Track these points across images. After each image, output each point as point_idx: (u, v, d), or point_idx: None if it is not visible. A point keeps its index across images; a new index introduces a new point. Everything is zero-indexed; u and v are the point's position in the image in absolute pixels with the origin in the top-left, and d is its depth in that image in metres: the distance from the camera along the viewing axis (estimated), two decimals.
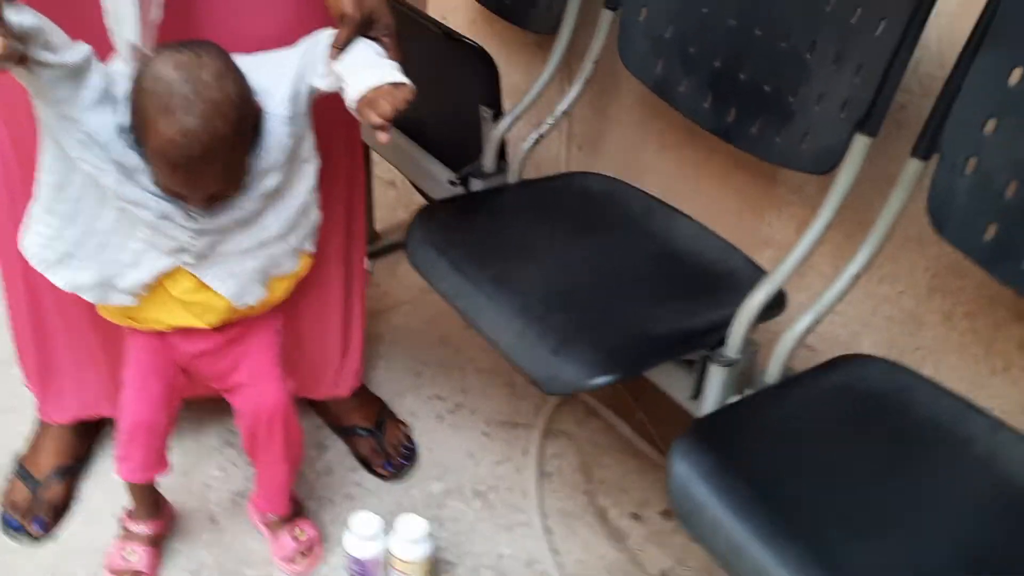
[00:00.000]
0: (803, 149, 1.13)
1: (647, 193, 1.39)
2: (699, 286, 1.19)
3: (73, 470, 1.38)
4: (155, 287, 1.05)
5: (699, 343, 1.08)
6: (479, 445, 1.55)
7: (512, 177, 1.40)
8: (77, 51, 0.89)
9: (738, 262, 1.24)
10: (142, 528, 1.25)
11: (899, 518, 0.89)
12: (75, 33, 0.89)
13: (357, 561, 1.25)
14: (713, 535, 0.88)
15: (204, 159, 0.91)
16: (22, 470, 1.36)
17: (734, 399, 1.07)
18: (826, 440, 0.97)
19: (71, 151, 0.93)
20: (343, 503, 1.42)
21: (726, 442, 0.94)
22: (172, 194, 0.95)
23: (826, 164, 1.08)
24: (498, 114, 1.41)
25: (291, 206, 1.06)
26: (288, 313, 1.30)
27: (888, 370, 1.08)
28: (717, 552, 0.87)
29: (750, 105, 1.19)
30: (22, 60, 0.82)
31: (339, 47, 0.98)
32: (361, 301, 1.44)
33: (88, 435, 1.43)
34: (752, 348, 1.09)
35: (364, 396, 1.54)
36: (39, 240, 1.00)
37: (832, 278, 1.06)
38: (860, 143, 1.03)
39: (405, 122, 1.61)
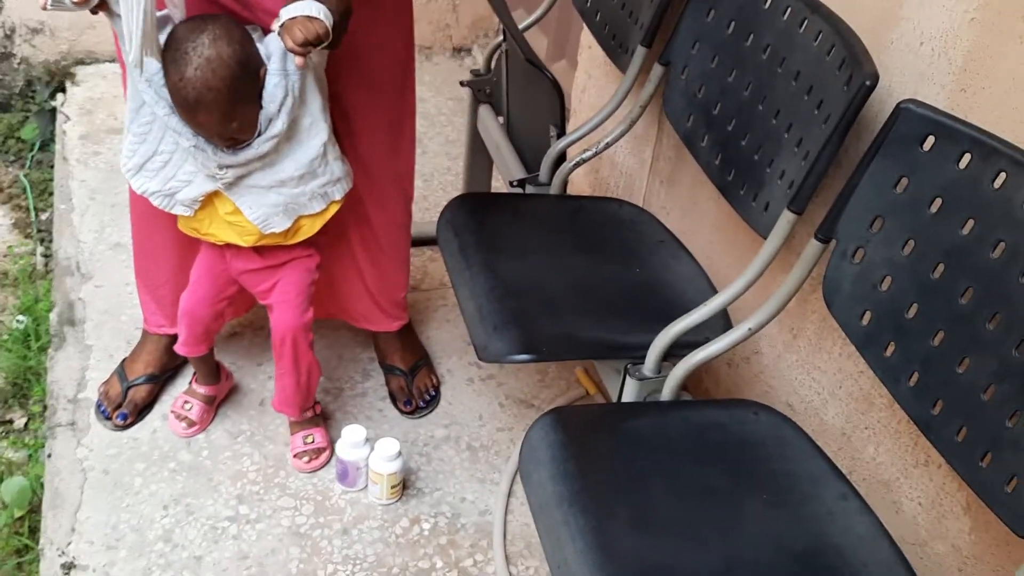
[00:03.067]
0: (764, 215, 1.27)
1: (668, 230, 1.57)
2: (654, 313, 1.36)
3: (158, 379, 1.70)
4: (207, 205, 1.39)
5: (618, 355, 1.27)
6: (491, 411, 1.79)
7: (553, 190, 1.63)
8: None
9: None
10: (201, 389, 1.64)
11: (687, 532, 1.04)
12: None
13: (341, 462, 1.56)
14: (537, 491, 1.08)
15: (198, 103, 1.21)
16: (120, 369, 1.70)
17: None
18: (670, 459, 1.13)
19: (138, 85, 1.27)
20: (363, 422, 1.72)
21: (580, 430, 1.13)
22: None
23: (769, 232, 1.22)
24: (562, 134, 1.64)
25: (305, 155, 1.34)
26: (329, 252, 1.57)
27: (776, 422, 1.20)
28: (533, 505, 1.07)
29: (743, 169, 1.34)
30: (101, 6, 1.17)
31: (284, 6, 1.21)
32: (396, 257, 1.67)
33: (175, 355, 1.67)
34: (665, 372, 1.25)
35: (410, 344, 1.83)
36: (125, 152, 1.36)
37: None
38: (786, 218, 1.17)
39: (508, 119, 1.89)
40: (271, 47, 1.27)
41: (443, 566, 1.49)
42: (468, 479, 1.64)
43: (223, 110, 1.24)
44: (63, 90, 2.61)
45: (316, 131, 1.34)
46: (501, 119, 1.95)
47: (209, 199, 1.39)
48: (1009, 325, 0.93)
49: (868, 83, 1.08)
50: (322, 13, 1.19)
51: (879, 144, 1.05)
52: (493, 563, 1.50)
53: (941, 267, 1.00)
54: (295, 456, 1.61)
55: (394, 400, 1.77)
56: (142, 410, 1.67)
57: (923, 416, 1.01)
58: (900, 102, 1.04)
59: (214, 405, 1.67)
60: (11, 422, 1.83)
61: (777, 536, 1.07)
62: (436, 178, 2.42)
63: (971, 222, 0.98)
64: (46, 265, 2.19)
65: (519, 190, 1.70)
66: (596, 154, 1.59)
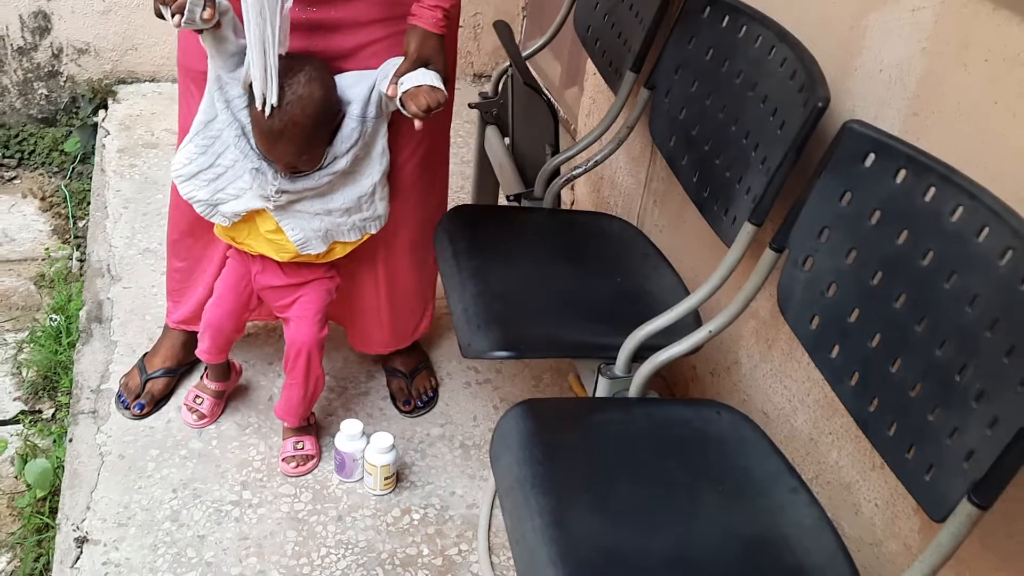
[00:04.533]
0: (732, 229, 1.36)
1: (653, 244, 1.66)
2: (630, 319, 1.44)
3: (175, 372, 1.82)
4: (248, 220, 1.50)
5: (592, 355, 1.36)
6: (485, 413, 1.89)
7: (546, 204, 1.73)
8: None
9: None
10: (212, 385, 1.75)
11: (644, 517, 1.12)
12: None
13: (339, 452, 1.66)
14: (504, 473, 1.16)
15: (282, 134, 1.34)
16: (141, 363, 1.82)
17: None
18: (633, 450, 1.21)
19: (217, 103, 1.40)
20: (364, 419, 1.82)
21: (549, 421, 1.22)
22: (266, 157, 1.40)
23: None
24: (556, 152, 1.74)
25: (356, 191, 1.47)
26: (351, 281, 1.68)
27: (737, 422, 1.28)
28: (500, 487, 1.16)
29: (717, 186, 1.43)
30: (216, 26, 1.30)
31: (400, 73, 1.36)
32: (411, 293, 1.79)
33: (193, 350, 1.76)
34: (633, 372, 1.34)
35: (411, 348, 1.93)
36: (182, 158, 1.49)
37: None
38: (747, 230, 1.25)
39: (513, 139, 2.00)
40: (347, 91, 1.38)
41: (429, 553, 1.58)
42: (459, 475, 1.73)
43: (300, 144, 1.36)
44: (105, 107, 2.78)
45: (370, 172, 1.47)
46: (508, 139, 2.06)
47: (251, 215, 1.50)
48: (934, 328, 1.00)
49: (820, 104, 1.17)
50: (440, 82, 1.33)
51: (827, 161, 1.13)
52: (476, 552, 1.58)
53: (879, 274, 1.08)
54: (283, 459, 1.69)
55: (394, 400, 1.87)
56: (159, 401, 1.79)
57: (861, 414, 1.09)
58: (845, 122, 1.13)
59: (223, 399, 1.78)
60: (40, 412, 1.96)
61: (729, 525, 1.14)
62: (449, 195, 2.52)
63: (905, 232, 1.06)
64: (80, 268, 2.33)
65: (516, 204, 1.80)
66: (585, 171, 1.69)
